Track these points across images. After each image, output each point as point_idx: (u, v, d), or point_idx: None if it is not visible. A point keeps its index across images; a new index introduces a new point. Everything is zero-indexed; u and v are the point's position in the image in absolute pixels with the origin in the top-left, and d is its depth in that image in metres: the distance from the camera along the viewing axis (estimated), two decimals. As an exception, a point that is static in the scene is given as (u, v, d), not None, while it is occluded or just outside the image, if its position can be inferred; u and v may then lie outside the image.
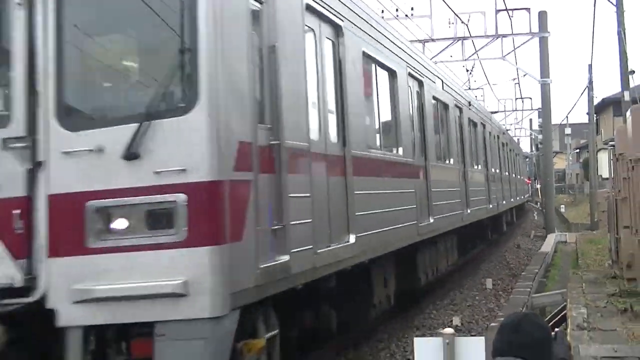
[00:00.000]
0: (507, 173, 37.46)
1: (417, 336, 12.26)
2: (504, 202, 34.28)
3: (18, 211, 7.46)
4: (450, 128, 21.51)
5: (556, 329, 4.66)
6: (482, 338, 7.15)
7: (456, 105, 22.80)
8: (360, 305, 13.38)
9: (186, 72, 7.51)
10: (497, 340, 4.39)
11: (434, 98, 19.34)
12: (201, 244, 7.18)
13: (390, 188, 13.78)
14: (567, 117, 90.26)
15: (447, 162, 20.78)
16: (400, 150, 15.14)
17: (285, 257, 8.62)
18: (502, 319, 4.56)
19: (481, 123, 28.56)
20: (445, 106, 21.01)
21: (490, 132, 31.20)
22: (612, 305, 14.36)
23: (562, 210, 65.91)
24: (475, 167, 26.12)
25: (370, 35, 13.31)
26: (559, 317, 15.40)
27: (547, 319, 15.43)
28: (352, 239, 11.17)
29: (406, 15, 35.28)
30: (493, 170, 31.15)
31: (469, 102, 25.98)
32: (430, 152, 17.64)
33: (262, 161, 8.28)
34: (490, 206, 28.54)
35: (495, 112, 56.09)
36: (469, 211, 22.60)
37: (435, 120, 19.26)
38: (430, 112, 18.35)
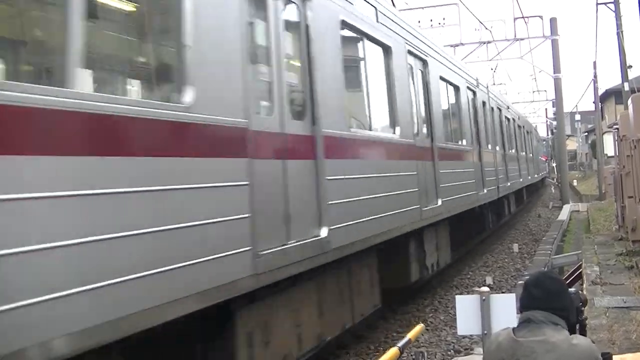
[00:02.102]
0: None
1: (457, 294, 12.22)
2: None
3: None
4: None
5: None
6: (513, 295, 7.09)
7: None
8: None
9: None
10: (522, 296, 4.39)
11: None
12: None
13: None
14: (576, 105, 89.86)
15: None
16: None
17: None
18: (526, 277, 4.55)
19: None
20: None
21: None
22: (620, 264, 14.22)
23: (575, 184, 65.01)
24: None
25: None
26: (575, 274, 15.24)
27: (565, 276, 15.27)
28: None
29: (439, 24, 35.15)
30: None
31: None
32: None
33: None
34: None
35: (516, 103, 55.46)
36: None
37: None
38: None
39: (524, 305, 4.33)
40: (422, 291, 14.97)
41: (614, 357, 4.84)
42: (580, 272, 14.43)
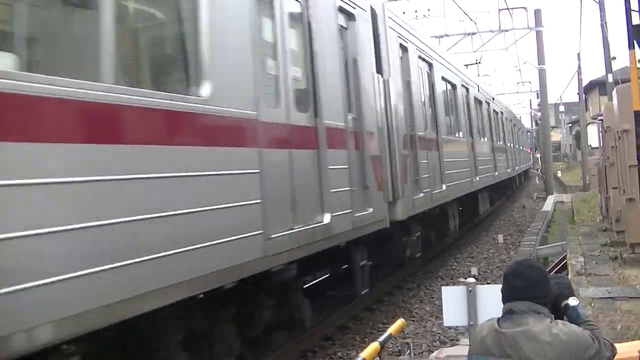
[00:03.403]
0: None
1: (442, 285, 12.23)
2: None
3: None
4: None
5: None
6: (499, 286, 7.08)
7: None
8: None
9: None
10: (502, 286, 4.37)
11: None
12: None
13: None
14: (560, 97, 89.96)
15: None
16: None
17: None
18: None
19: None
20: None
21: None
22: (604, 254, 14.27)
23: (559, 175, 65.23)
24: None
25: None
26: (560, 265, 15.30)
27: (549, 267, 15.33)
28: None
29: (424, 16, 35.16)
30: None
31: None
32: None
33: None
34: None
35: (501, 94, 55.60)
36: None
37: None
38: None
39: (506, 296, 4.32)
40: (407, 282, 15.00)
41: (619, 344, 4.83)
42: (565, 263, 14.48)
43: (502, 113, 33.40)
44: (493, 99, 31.17)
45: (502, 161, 29.67)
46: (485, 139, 25.82)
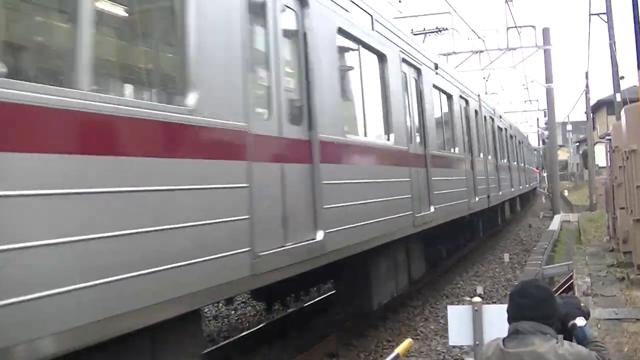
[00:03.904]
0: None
1: (448, 303, 12.17)
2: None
3: None
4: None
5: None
6: (505, 306, 7.04)
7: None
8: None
9: None
10: (509, 307, 4.36)
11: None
12: None
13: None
14: (568, 115, 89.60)
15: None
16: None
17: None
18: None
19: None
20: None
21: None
22: (611, 275, 14.20)
23: (566, 194, 65.09)
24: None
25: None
26: (566, 285, 15.21)
27: (555, 287, 15.24)
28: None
29: (433, 33, 35.16)
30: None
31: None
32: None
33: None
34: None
35: (508, 113, 55.63)
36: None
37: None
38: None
39: (512, 316, 4.30)
40: (412, 299, 14.93)
41: None
42: (572, 283, 14.40)
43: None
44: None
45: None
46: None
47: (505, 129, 31.91)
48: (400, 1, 30.79)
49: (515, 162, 35.22)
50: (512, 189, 31.46)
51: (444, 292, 16.32)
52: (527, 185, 43.72)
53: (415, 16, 34.47)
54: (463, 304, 10.76)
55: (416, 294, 15.44)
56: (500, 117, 30.67)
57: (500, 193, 25.52)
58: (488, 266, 20.69)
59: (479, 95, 23.63)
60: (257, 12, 7.35)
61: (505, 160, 29.40)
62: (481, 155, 21.87)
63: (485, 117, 24.02)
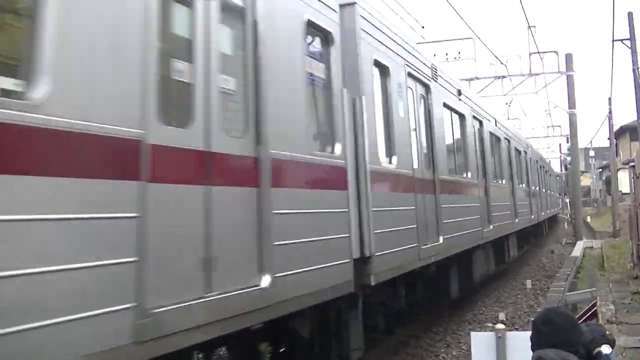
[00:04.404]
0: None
1: (470, 329, 12.09)
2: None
3: None
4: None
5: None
6: (529, 333, 7.00)
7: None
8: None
9: None
10: (532, 334, 4.34)
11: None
12: None
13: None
14: (591, 141, 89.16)
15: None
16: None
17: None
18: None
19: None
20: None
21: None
22: (635, 302, 14.09)
23: (588, 220, 64.61)
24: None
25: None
26: (590, 313, 15.07)
27: (579, 315, 15.10)
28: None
29: (455, 58, 35.23)
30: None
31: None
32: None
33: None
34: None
35: (530, 138, 55.41)
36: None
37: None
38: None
39: (535, 343, 4.29)
40: (434, 325, 14.86)
41: None
42: (595, 310, 14.27)
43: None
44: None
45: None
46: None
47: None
48: (423, 27, 30.89)
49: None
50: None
51: (465, 318, 16.21)
52: (548, 212, 43.16)
53: (438, 41, 34.59)
54: (486, 331, 10.69)
55: (438, 319, 15.36)
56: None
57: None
58: (510, 292, 20.55)
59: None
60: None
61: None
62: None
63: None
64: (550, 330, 4.22)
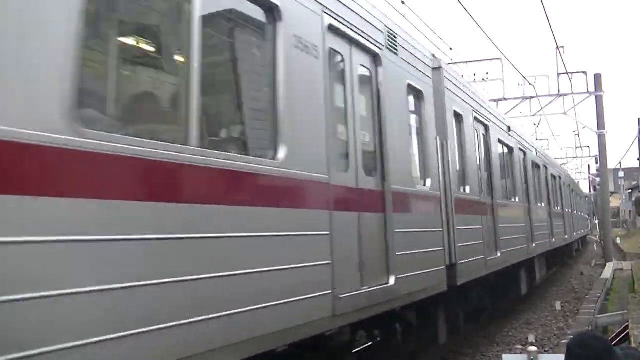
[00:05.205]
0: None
1: (499, 351, 12.01)
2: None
3: None
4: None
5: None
6: (561, 356, 6.94)
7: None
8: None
9: None
10: (565, 357, 4.31)
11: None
12: None
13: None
14: (620, 162, 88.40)
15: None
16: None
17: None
18: (569, 337, 4.47)
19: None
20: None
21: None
22: (668, 326, 13.87)
23: (618, 241, 63.94)
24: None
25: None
26: (621, 336, 14.88)
27: (610, 337, 14.93)
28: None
29: (483, 79, 35.15)
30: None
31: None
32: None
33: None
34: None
35: (559, 159, 55.07)
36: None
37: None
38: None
39: None
40: (463, 347, 14.76)
41: None
42: (627, 333, 14.09)
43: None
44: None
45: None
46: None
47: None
48: (451, 49, 30.91)
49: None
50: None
51: (494, 339, 16.09)
52: (579, 232, 42.97)
53: (466, 62, 34.52)
54: (515, 353, 10.61)
55: (466, 341, 15.26)
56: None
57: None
58: (539, 314, 20.36)
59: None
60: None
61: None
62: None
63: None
64: (584, 354, 4.18)
